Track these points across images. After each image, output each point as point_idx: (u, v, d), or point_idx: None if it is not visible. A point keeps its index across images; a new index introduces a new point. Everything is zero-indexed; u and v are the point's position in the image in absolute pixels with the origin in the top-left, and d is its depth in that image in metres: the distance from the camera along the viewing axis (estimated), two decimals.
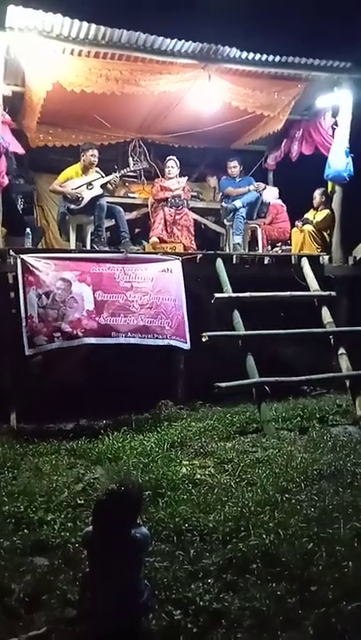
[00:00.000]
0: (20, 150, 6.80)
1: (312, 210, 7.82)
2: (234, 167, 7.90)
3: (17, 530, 3.47)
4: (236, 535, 3.31)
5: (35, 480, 4.24)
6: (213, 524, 3.45)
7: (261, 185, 7.94)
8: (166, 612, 2.65)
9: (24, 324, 5.36)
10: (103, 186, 6.89)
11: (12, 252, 5.72)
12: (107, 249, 6.68)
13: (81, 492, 4.02)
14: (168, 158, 7.71)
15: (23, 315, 5.37)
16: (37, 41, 5.80)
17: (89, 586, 2.45)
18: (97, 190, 6.83)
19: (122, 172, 7.36)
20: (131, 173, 8.09)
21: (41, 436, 5.23)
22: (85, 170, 6.93)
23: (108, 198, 7.06)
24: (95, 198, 6.79)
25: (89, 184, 6.83)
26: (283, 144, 8.62)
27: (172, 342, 5.88)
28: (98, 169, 7.00)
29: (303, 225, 7.68)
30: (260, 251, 7.82)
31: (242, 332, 5.92)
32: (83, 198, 6.77)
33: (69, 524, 3.50)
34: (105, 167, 7.20)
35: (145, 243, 7.37)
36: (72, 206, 6.83)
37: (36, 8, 5.58)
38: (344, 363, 6.10)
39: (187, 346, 5.93)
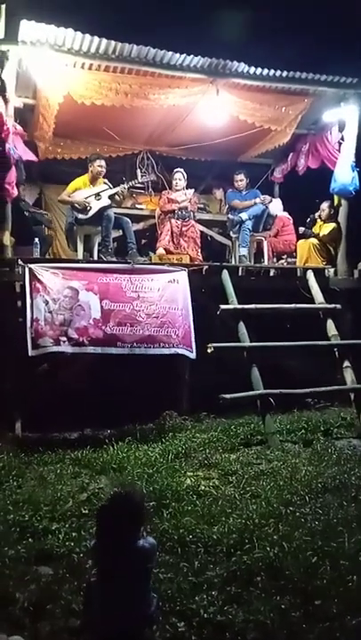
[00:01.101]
0: (34, 158, 6.88)
1: (319, 222, 7.87)
2: (240, 180, 7.98)
3: (21, 539, 3.47)
4: (240, 547, 3.31)
5: (39, 489, 4.25)
6: (218, 536, 3.45)
7: (268, 198, 8.00)
8: (170, 623, 2.65)
9: (29, 325, 5.40)
10: (111, 197, 6.96)
11: (20, 262, 5.78)
12: (114, 259, 6.74)
13: (85, 501, 4.02)
14: (175, 170, 7.78)
15: (29, 318, 5.42)
16: (49, 54, 5.90)
17: (95, 596, 2.45)
18: (105, 201, 6.89)
19: (130, 183, 7.43)
20: (138, 185, 8.17)
21: (46, 445, 5.24)
22: (94, 180, 7.00)
23: (115, 209, 7.13)
24: (103, 209, 6.85)
25: (97, 195, 6.90)
26: (289, 158, 8.70)
27: (179, 351, 5.91)
28: (106, 180, 7.07)
29: (304, 234, 7.74)
30: (266, 263, 7.87)
31: (247, 343, 5.94)
32: (90, 208, 6.84)
33: (74, 534, 3.51)
34: (113, 179, 7.26)
35: (152, 254, 7.42)
36: (80, 216, 6.90)
37: (49, 22, 5.69)
38: (349, 376, 6.10)
39: (193, 355, 5.95)
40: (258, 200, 7.84)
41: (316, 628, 2.63)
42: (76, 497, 4.09)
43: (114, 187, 7.03)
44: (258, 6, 11.09)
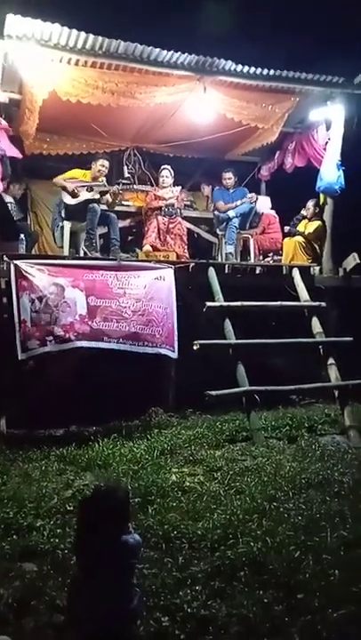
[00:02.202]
0: (19, 155, 6.84)
1: (304, 220, 7.92)
2: (229, 179, 8.00)
3: (6, 535, 3.48)
4: (224, 543, 3.35)
5: (24, 486, 4.24)
6: (202, 532, 3.48)
7: (254, 197, 8.04)
8: (154, 618, 2.68)
9: (18, 328, 5.37)
10: (102, 193, 6.97)
11: (5, 258, 5.74)
12: (98, 255, 6.73)
13: (70, 498, 4.03)
14: (162, 167, 7.77)
15: (17, 320, 5.39)
16: (35, 49, 5.84)
17: (78, 591, 2.46)
18: (94, 194, 6.90)
19: (122, 185, 7.40)
20: (125, 180, 8.16)
21: (31, 442, 5.23)
22: (94, 179, 7.06)
23: (102, 206, 7.12)
24: (90, 201, 6.85)
25: (90, 187, 6.92)
26: (276, 156, 8.72)
27: (162, 351, 5.92)
28: (104, 178, 7.11)
29: (290, 233, 7.79)
30: (252, 260, 7.90)
31: (233, 340, 5.97)
32: (79, 196, 6.85)
33: (59, 531, 3.52)
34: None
35: (138, 251, 7.41)
36: (67, 200, 6.91)
37: (35, 17, 5.64)
38: (333, 373, 6.17)
39: (175, 355, 5.96)
40: (246, 200, 7.86)
41: (298, 622, 2.67)
42: (60, 494, 4.09)
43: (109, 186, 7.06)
44: (246, 4, 11.10)
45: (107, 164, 7.08)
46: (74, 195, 6.86)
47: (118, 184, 7.31)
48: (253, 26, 10.89)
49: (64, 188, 6.94)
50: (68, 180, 6.95)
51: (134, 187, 7.80)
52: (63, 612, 2.68)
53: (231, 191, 8.02)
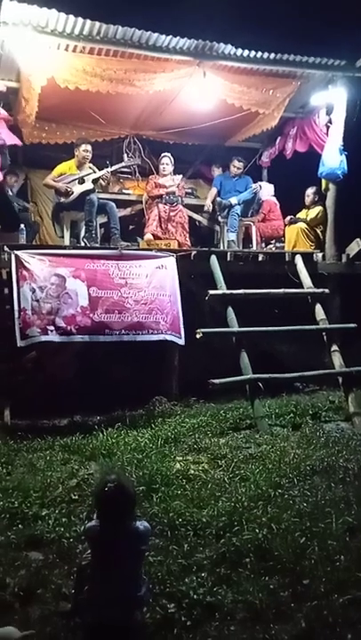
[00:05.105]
0: (19, 142, 6.78)
1: (304, 209, 7.85)
2: (238, 168, 7.93)
3: (11, 525, 3.49)
4: (229, 530, 3.34)
5: (29, 476, 4.25)
6: (207, 519, 3.48)
7: (258, 187, 8.01)
8: (160, 605, 2.68)
9: (17, 316, 5.36)
10: (95, 181, 6.89)
11: (6, 248, 5.71)
12: (97, 245, 6.69)
13: (75, 487, 4.03)
14: (163, 155, 7.71)
15: (16, 307, 5.38)
16: (32, 36, 5.77)
17: (88, 579, 2.45)
18: (88, 185, 6.83)
19: (114, 167, 7.33)
20: (125, 169, 8.09)
21: (35, 432, 5.23)
22: (80, 165, 6.93)
23: (102, 194, 7.05)
24: (85, 193, 6.78)
25: (81, 179, 6.84)
26: (277, 141, 8.65)
27: (168, 337, 5.89)
28: (91, 164, 7.00)
29: (291, 223, 7.74)
30: (255, 248, 7.85)
31: (236, 328, 5.95)
32: (72, 192, 6.78)
33: (64, 520, 3.52)
34: (99, 163, 7.17)
35: (139, 239, 7.37)
36: (62, 200, 6.84)
37: (31, 3, 5.57)
38: (337, 359, 6.14)
39: (181, 341, 5.95)
40: (250, 189, 7.82)
41: (304, 607, 2.68)
42: (65, 483, 4.09)
43: (99, 171, 6.96)
44: None
45: (90, 147, 6.94)
46: (67, 194, 6.77)
47: (108, 165, 7.18)
48: (253, 8, 10.71)
49: (56, 191, 6.87)
50: (57, 179, 6.85)
51: (123, 164, 7.68)
52: (69, 600, 2.68)
53: (235, 179, 7.96)
